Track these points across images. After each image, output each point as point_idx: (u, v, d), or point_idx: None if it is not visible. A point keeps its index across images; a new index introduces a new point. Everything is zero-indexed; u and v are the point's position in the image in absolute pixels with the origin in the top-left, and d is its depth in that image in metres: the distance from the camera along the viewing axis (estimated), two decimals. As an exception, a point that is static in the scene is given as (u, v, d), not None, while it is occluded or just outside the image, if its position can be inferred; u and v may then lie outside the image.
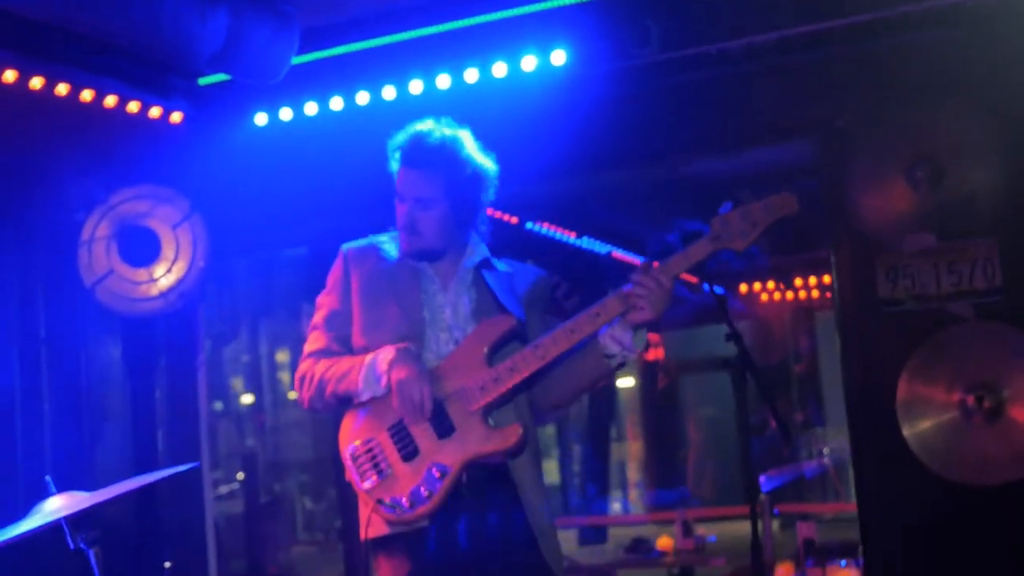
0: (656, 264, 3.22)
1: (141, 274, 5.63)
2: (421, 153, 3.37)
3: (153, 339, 6.24)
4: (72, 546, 3.39)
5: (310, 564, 6.91)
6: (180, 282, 5.65)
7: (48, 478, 3.58)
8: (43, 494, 3.51)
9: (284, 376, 7.07)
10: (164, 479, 3.88)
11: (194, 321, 6.27)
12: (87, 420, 6.03)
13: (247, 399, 7.34)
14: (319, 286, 3.67)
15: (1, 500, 5.46)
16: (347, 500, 5.87)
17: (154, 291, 5.63)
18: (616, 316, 3.23)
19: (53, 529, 3.37)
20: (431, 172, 3.35)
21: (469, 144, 3.44)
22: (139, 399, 6.25)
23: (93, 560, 3.40)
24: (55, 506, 3.42)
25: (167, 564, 5.62)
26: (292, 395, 6.87)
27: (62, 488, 3.52)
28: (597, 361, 3.31)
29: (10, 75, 5.23)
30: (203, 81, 5.90)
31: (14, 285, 5.90)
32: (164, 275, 5.63)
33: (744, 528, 3.75)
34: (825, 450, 8.37)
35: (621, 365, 3.38)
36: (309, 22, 5.39)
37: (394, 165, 3.41)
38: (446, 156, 3.37)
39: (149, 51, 5.09)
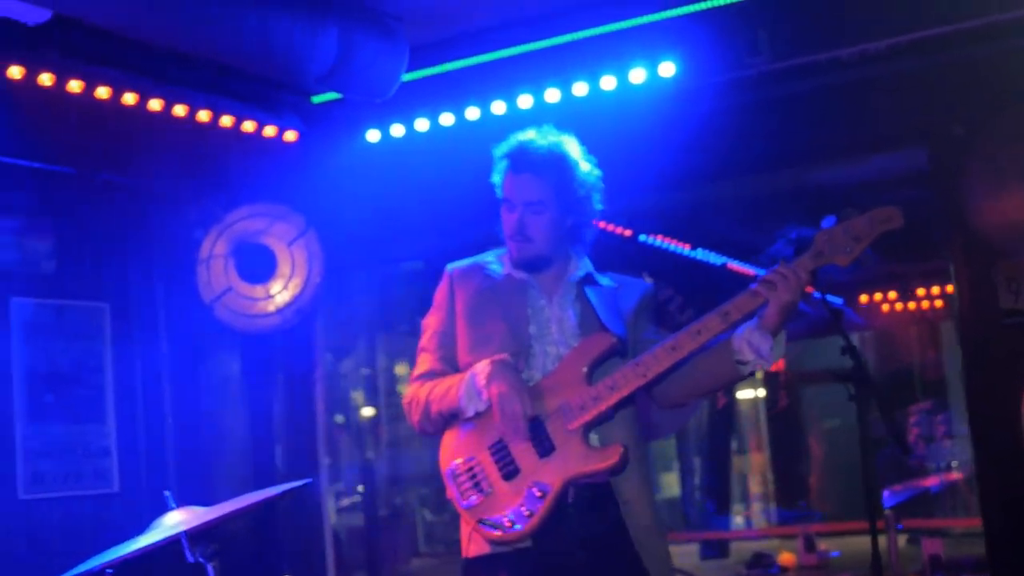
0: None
1: (258, 291, 5.72)
2: (529, 158, 3.37)
3: (271, 355, 6.32)
4: (191, 559, 3.45)
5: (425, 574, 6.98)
6: (296, 298, 5.72)
7: (168, 493, 3.67)
8: (163, 509, 3.59)
9: (402, 389, 7.14)
10: (281, 493, 3.92)
11: (311, 336, 6.35)
12: (207, 435, 6.14)
13: (368, 412, 7.43)
14: (428, 300, 3.71)
15: (125, 514, 5.66)
16: None
17: (271, 307, 5.71)
18: (746, 316, 3.18)
19: (172, 543, 3.44)
20: (540, 176, 3.34)
21: (575, 149, 3.43)
22: (257, 414, 6.34)
23: (211, 574, 3.46)
24: (175, 520, 3.50)
25: None
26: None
27: (181, 503, 3.60)
28: (728, 366, 3.26)
29: (130, 98, 5.38)
30: (315, 100, 6.02)
31: (136, 303, 6.02)
32: (281, 292, 5.71)
33: (869, 544, 3.72)
34: (954, 463, 8.20)
35: (752, 373, 3.35)
36: (418, 39, 5.44)
37: (498, 175, 3.41)
38: (554, 160, 3.37)
39: (262, 71, 5.20)
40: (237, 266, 5.75)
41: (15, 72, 5.05)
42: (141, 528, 3.62)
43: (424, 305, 3.98)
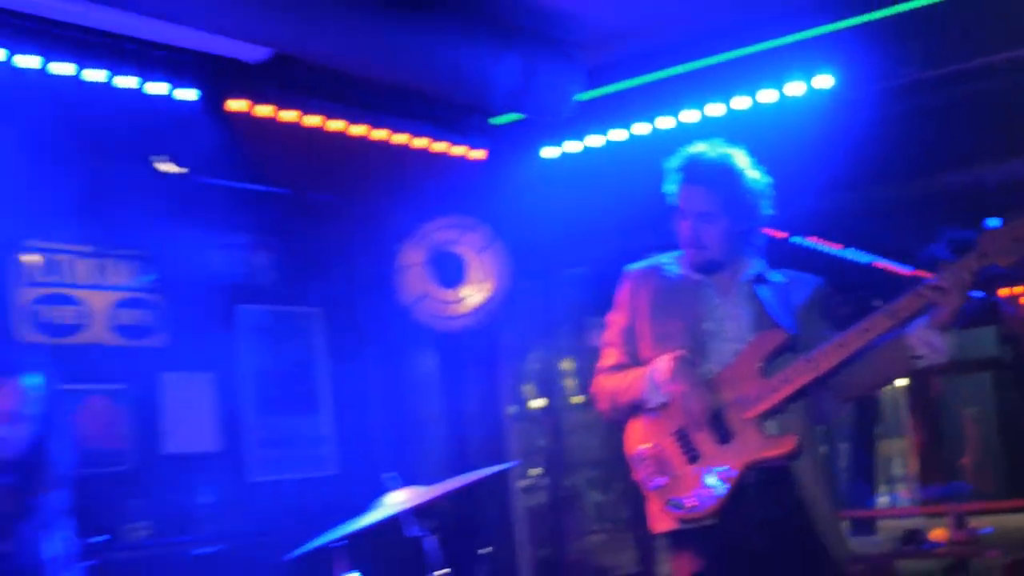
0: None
1: (451, 295, 5.79)
2: (700, 170, 3.34)
3: (463, 351, 6.34)
4: (411, 534, 3.49)
5: (603, 550, 6.91)
6: (486, 301, 5.79)
7: (393, 474, 3.69)
8: (379, 489, 3.61)
9: (568, 382, 7.09)
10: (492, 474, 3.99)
11: (497, 335, 6.36)
12: (409, 424, 6.19)
13: (538, 403, 7.38)
14: (599, 301, 3.67)
15: (341, 495, 5.63)
16: (634, 493, 5.85)
17: (463, 309, 5.79)
18: (912, 316, 3.06)
19: (392, 519, 3.49)
20: (712, 187, 3.30)
21: (744, 161, 3.39)
22: (453, 404, 6.37)
23: (431, 546, 3.51)
24: (398, 499, 3.52)
25: (486, 550, 5.63)
26: (575, 400, 6.89)
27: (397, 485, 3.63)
28: (903, 361, 3.16)
29: (337, 125, 5.48)
30: (497, 121, 6.03)
31: (343, 307, 6.07)
32: (472, 295, 5.78)
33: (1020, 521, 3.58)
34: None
35: (924, 367, 3.24)
36: (592, 61, 5.42)
37: (672, 186, 3.38)
38: (724, 172, 3.33)
39: (452, 97, 5.25)
40: (432, 273, 5.80)
41: (238, 105, 5.20)
42: (357, 507, 3.67)
43: (590, 308, 3.98)
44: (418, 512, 3.51)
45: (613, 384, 3.51)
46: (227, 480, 5.51)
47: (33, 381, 3.55)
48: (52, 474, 3.63)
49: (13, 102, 4.67)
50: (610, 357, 3.59)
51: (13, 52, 4.68)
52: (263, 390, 5.77)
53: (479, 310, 5.78)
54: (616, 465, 6.58)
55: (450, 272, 5.80)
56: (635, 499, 6.55)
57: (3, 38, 4.64)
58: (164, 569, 4.97)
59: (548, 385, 7.15)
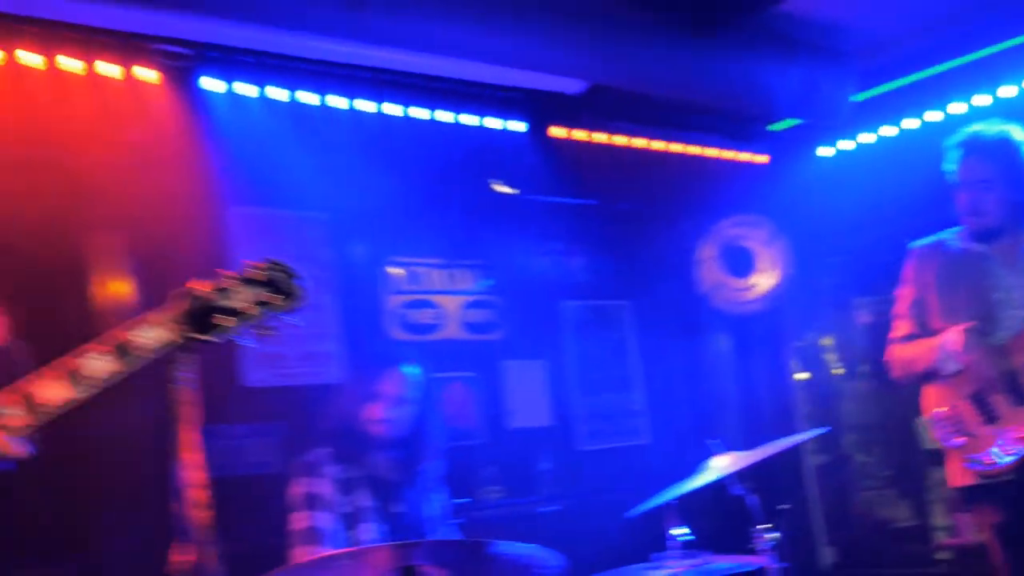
0: None
1: (742, 283, 5.76)
2: (978, 143, 3.29)
3: (752, 332, 6.28)
4: (735, 493, 3.44)
5: (875, 504, 6.73)
6: (772, 288, 5.73)
7: (717, 440, 3.65)
8: (707, 454, 3.58)
9: (830, 356, 6.93)
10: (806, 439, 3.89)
11: (781, 316, 6.24)
12: (712, 397, 6.18)
13: (802, 376, 7.24)
14: (860, 283, 3.63)
15: (654, 459, 5.73)
16: (895, 453, 6.11)
17: (753, 296, 5.74)
18: None
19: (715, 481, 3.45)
20: (990, 157, 3.26)
21: (1020, 134, 3.31)
22: (745, 379, 6.32)
23: (752, 503, 3.44)
24: (722, 463, 3.47)
25: (785, 506, 5.55)
26: (836, 371, 6.72)
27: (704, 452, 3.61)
28: None
29: (640, 142, 5.59)
30: (776, 127, 5.96)
31: (647, 299, 6.09)
32: (760, 283, 5.73)
33: None
34: None
35: None
36: (864, 66, 5.31)
37: (951, 163, 3.32)
38: (1002, 143, 3.28)
39: (740, 110, 5.25)
40: (725, 265, 5.78)
41: (559, 132, 5.34)
42: (667, 470, 3.70)
43: (853, 288, 3.92)
44: (740, 474, 3.44)
45: (907, 354, 3.47)
46: (560, 449, 5.56)
47: (412, 371, 3.67)
48: (430, 447, 3.74)
49: (380, 144, 4.89)
50: (901, 328, 3.56)
51: (380, 102, 4.91)
52: (585, 373, 5.82)
53: (766, 296, 5.70)
54: (875, 429, 6.41)
55: (740, 264, 5.75)
56: (896, 458, 6.37)
57: (373, 91, 4.88)
58: (514, 525, 5.03)
59: (811, 359, 7.00)
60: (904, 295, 3.57)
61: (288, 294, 2.06)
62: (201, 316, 2.00)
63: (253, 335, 2.06)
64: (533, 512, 5.20)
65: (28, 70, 4.13)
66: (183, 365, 2.01)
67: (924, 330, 3.48)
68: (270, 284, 2.05)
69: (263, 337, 2.06)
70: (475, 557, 2.74)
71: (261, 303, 2.04)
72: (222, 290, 2.03)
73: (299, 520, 3.45)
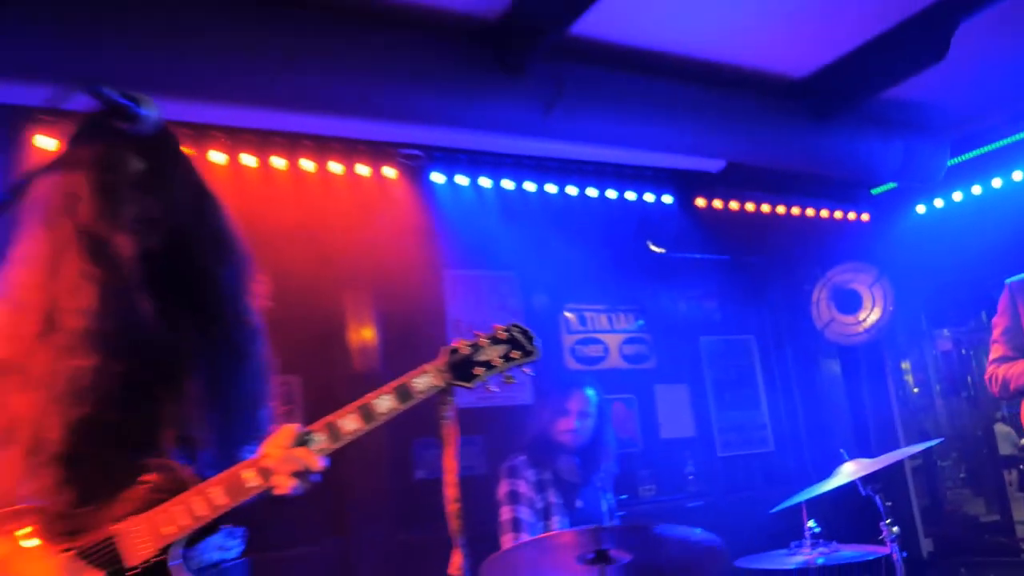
0: None
1: (850, 319, 5.67)
2: None
3: (859, 359, 6.24)
4: (864, 494, 3.44)
5: (961, 502, 6.48)
6: (877, 322, 5.63)
7: (842, 450, 3.65)
8: (828, 456, 3.66)
9: (908, 378, 6.76)
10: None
11: (882, 346, 6.17)
12: (824, 413, 6.11)
13: (915, 391, 7.08)
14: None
15: (778, 465, 5.76)
16: (968, 459, 5.89)
17: (860, 329, 5.64)
18: None
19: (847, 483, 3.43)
20: None
21: None
22: (853, 397, 6.21)
23: (880, 503, 3.43)
24: (850, 468, 3.47)
25: (887, 503, 5.40)
26: (915, 391, 6.60)
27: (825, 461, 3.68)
28: None
29: (765, 207, 5.61)
30: (876, 191, 5.92)
31: (770, 334, 6.14)
32: (867, 318, 5.63)
33: None
34: None
35: None
36: (955, 136, 5.27)
37: None
38: None
39: (847, 177, 5.22)
40: (836, 304, 5.71)
41: (701, 202, 5.42)
42: (799, 471, 3.70)
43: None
44: (867, 477, 3.40)
45: (1002, 373, 3.42)
46: (702, 455, 5.56)
47: (590, 392, 3.80)
48: (605, 454, 3.83)
49: (561, 218, 4.97)
50: (996, 351, 3.51)
51: (562, 185, 5.03)
52: (719, 393, 5.80)
53: (872, 329, 5.61)
54: (953, 439, 6.24)
55: (849, 303, 5.68)
56: (968, 463, 6.23)
57: (557, 177, 4.98)
58: (667, 517, 4.94)
59: (902, 380, 6.88)
60: (998, 323, 3.54)
61: (526, 351, 2.05)
62: (461, 367, 2.01)
63: (499, 383, 2.05)
64: (683, 507, 5.18)
65: (305, 174, 4.32)
66: (446, 405, 2.02)
67: (1018, 352, 3.46)
68: (512, 342, 2.05)
69: (506, 384, 2.05)
70: (653, 539, 2.75)
71: (506, 358, 2.04)
72: (476, 347, 2.03)
73: (505, 512, 3.58)
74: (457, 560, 2.00)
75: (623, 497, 4.81)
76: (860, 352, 6.12)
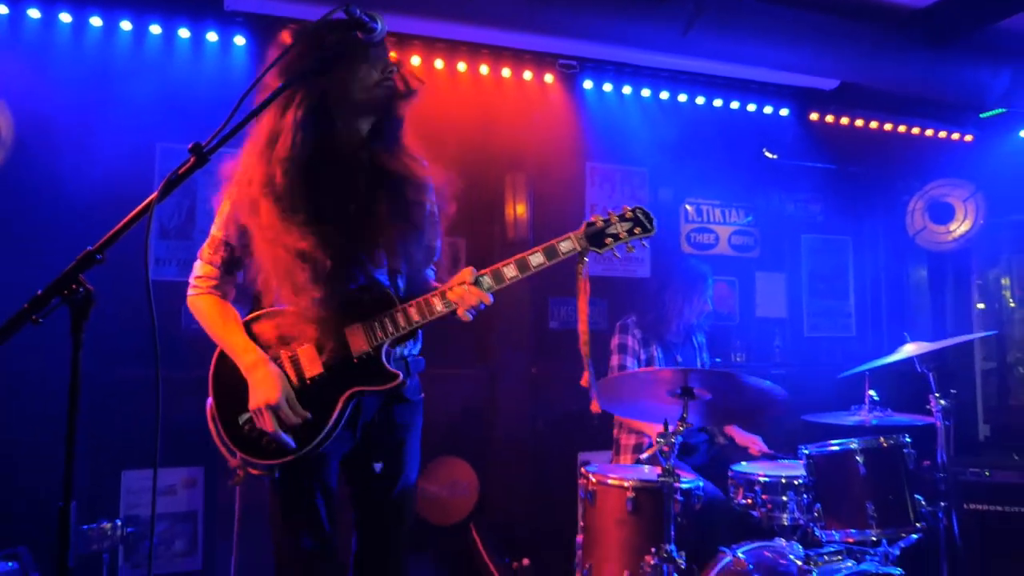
0: None
1: (942, 229, 5.53)
2: None
3: (946, 265, 6.08)
4: (919, 371, 3.46)
5: None
6: (966, 233, 5.47)
7: (906, 333, 3.73)
8: (901, 341, 3.63)
9: (1006, 293, 6.47)
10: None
11: (968, 256, 5.98)
12: (906, 308, 6.02)
13: (980, 306, 6.83)
14: None
15: (859, 347, 5.73)
16: None
17: (950, 239, 5.51)
18: None
19: (907, 360, 3.48)
20: None
21: None
22: (936, 302, 6.06)
23: (932, 379, 3.41)
24: (910, 348, 3.53)
25: (954, 391, 5.30)
26: (1011, 305, 6.34)
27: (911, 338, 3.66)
28: None
29: (874, 124, 5.39)
30: (984, 115, 5.59)
31: (868, 236, 5.92)
32: (957, 228, 5.47)
33: None
34: None
35: None
36: None
37: None
38: None
39: (956, 101, 4.98)
40: (930, 215, 5.54)
41: (815, 117, 5.23)
42: (868, 355, 3.72)
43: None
44: (922, 357, 3.47)
45: None
46: (791, 334, 5.61)
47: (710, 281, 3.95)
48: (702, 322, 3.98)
49: (690, 124, 4.94)
50: None
51: (693, 95, 4.92)
52: (813, 284, 5.76)
53: (962, 239, 5.45)
54: None
55: (942, 214, 5.50)
56: None
57: (688, 87, 4.89)
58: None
59: (992, 293, 6.63)
60: None
61: (645, 228, 2.18)
62: (596, 237, 2.16)
63: (623, 251, 2.18)
64: (768, 373, 5.19)
65: (481, 77, 4.50)
66: (582, 264, 2.19)
67: None
68: (636, 220, 2.18)
69: (628, 253, 2.19)
70: (730, 384, 2.82)
71: (629, 232, 2.17)
72: (608, 222, 2.17)
73: (614, 359, 3.83)
74: (587, 376, 2.24)
75: (717, 360, 5.02)
76: (948, 263, 6.00)
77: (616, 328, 3.84)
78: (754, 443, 3.82)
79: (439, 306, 2.12)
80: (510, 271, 2.12)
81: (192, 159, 1.57)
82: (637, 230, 2.18)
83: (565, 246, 2.14)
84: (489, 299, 2.09)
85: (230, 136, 1.64)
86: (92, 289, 1.47)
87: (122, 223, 1.54)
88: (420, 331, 2.27)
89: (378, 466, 2.20)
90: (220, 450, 2.18)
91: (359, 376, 2.14)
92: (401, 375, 2.14)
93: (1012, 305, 6.31)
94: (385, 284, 2.17)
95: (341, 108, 2.08)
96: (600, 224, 2.17)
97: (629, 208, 2.20)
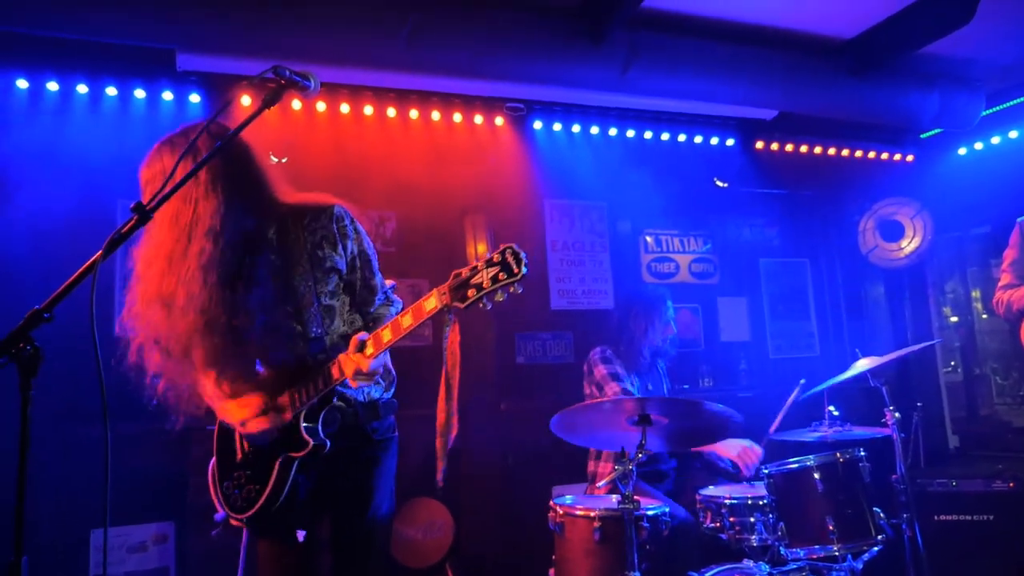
0: None
1: (893, 247, 5.62)
2: None
3: (901, 281, 6.12)
4: (873, 385, 3.41)
5: (1006, 415, 6.41)
6: (916, 249, 5.57)
7: (857, 349, 3.77)
8: (849, 359, 3.66)
9: (977, 305, 6.61)
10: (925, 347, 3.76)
11: (923, 271, 6.05)
12: (865, 329, 6.07)
13: (954, 319, 6.98)
14: (997, 250, 3.48)
15: (822, 364, 5.68)
16: None
17: (901, 255, 5.58)
18: None
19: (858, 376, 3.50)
20: None
21: None
22: (896, 317, 6.09)
23: (885, 392, 3.36)
24: (862, 363, 3.53)
25: (918, 404, 5.16)
26: (983, 317, 6.49)
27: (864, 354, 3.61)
28: None
29: (817, 149, 5.50)
30: (924, 135, 5.78)
31: (824, 257, 5.94)
32: (907, 245, 5.56)
33: None
34: None
35: None
36: (990, 88, 5.12)
37: None
38: None
39: (892, 123, 5.08)
40: (880, 233, 5.64)
41: (759, 145, 5.40)
42: (832, 372, 3.72)
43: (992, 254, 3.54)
44: (875, 372, 3.46)
45: (1007, 297, 3.46)
46: (755, 356, 5.60)
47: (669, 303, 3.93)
48: (663, 352, 3.93)
49: (640, 158, 5.04)
50: (1004, 279, 3.55)
51: (640, 131, 5.01)
52: (774, 307, 5.80)
53: (912, 255, 5.55)
54: (1011, 358, 6.00)
55: (892, 231, 5.60)
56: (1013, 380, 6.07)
57: (635, 124, 4.96)
58: (721, 402, 5.31)
59: (962, 305, 6.78)
60: (1008, 255, 3.57)
61: (512, 273, 1.86)
62: (460, 289, 1.91)
63: (489, 302, 1.90)
64: (735, 396, 5.20)
65: (433, 123, 4.55)
66: (447, 325, 2.04)
67: (1022, 281, 3.50)
68: (501, 264, 1.87)
69: (496, 303, 1.90)
70: (688, 409, 2.80)
71: (494, 279, 1.87)
72: (474, 270, 1.90)
73: (615, 388, 3.65)
74: (440, 468, 2.19)
75: (685, 387, 5.11)
76: (904, 278, 6.06)
77: (597, 359, 3.76)
78: (737, 449, 3.67)
79: (337, 374, 2.12)
80: (387, 334, 2.02)
81: (135, 217, 1.64)
82: (502, 276, 1.86)
83: (428, 305, 1.95)
84: (367, 365, 2.00)
85: (171, 195, 1.72)
86: (40, 348, 1.51)
87: (68, 282, 1.58)
88: (392, 372, 2.30)
89: (302, 534, 2.22)
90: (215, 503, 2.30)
91: (287, 443, 2.21)
92: (312, 442, 2.15)
93: (984, 317, 6.43)
94: (312, 348, 2.17)
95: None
96: (465, 275, 1.91)
97: (497, 251, 1.90)
